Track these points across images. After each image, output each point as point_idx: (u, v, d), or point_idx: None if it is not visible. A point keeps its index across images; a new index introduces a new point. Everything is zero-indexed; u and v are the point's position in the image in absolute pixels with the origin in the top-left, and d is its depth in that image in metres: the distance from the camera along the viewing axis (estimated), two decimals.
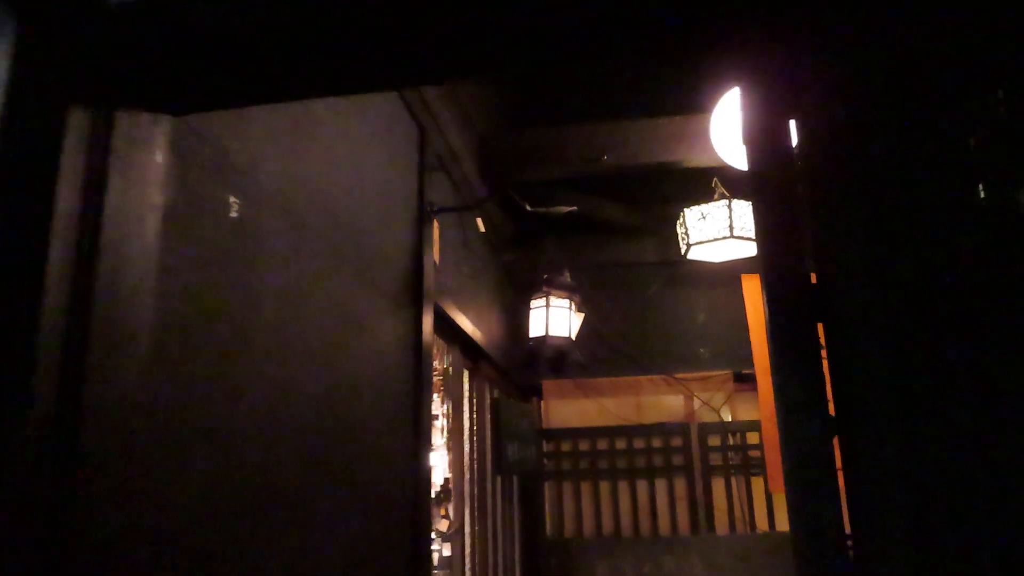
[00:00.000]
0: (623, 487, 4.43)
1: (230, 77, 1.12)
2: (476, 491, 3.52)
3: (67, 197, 0.96)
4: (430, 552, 2.46)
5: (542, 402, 4.58)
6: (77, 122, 0.99)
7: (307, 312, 1.69)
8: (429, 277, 2.60)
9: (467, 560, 3.36)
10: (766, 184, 0.97)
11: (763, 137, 0.99)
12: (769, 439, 3.90)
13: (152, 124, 1.11)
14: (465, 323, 3.27)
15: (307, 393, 1.65)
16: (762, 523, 4.32)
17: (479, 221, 3.60)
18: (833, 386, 0.91)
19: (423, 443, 2.39)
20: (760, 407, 3.99)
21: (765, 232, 0.97)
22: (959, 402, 0.83)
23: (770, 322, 0.93)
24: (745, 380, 4.33)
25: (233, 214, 1.41)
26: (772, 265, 0.95)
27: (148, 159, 1.10)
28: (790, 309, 0.92)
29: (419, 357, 2.45)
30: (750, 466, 4.37)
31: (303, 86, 1.24)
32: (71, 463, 0.94)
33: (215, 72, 1.11)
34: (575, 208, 3.47)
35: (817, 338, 0.93)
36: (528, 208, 3.56)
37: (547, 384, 4.51)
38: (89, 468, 0.96)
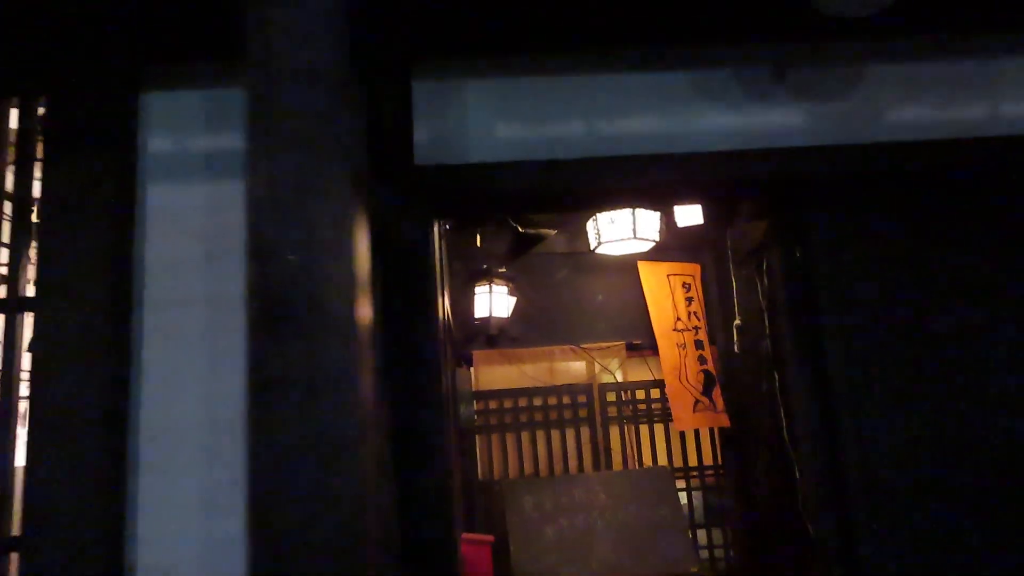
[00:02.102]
0: (540, 436, 5.46)
1: None
2: None
3: None
4: None
5: (472, 369, 5.50)
6: None
7: None
8: None
9: None
10: None
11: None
12: (671, 390, 5.08)
13: None
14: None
15: None
16: (647, 460, 5.49)
17: None
18: None
19: None
20: (662, 366, 5.15)
21: None
22: None
23: None
24: (634, 348, 5.46)
25: None
26: None
27: None
28: None
29: None
30: (638, 417, 5.52)
31: None
32: None
33: None
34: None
35: None
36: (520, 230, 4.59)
37: (477, 354, 5.44)
38: None
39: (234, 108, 2.26)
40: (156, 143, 2.22)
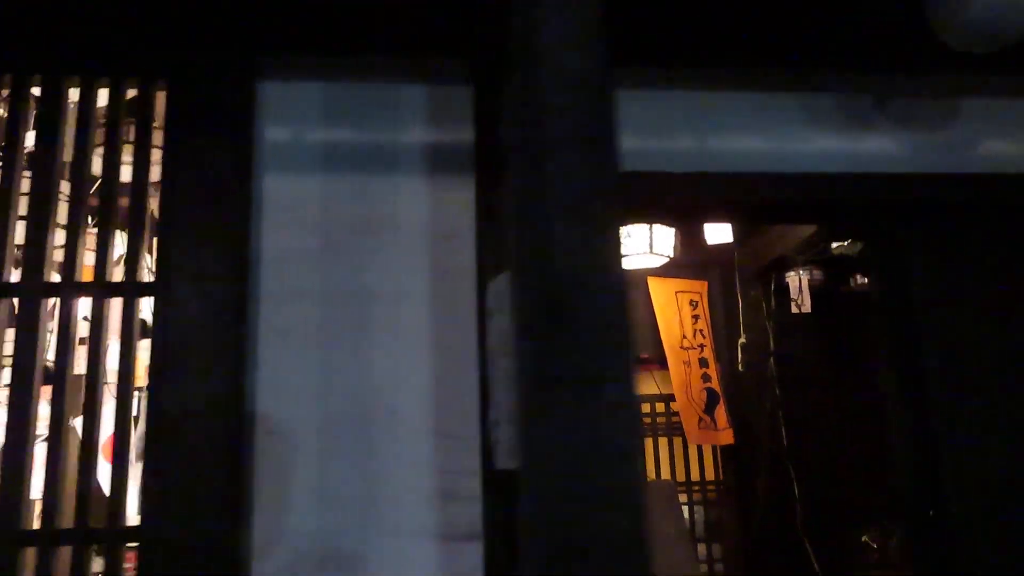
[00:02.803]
0: None
1: None
2: None
3: None
4: None
5: None
6: None
7: None
8: None
9: None
10: None
11: None
12: (679, 405, 5.14)
13: None
14: None
15: None
16: (651, 474, 5.55)
17: None
18: None
19: None
20: (672, 380, 5.21)
21: None
22: None
23: None
24: (641, 363, 5.52)
25: None
26: None
27: None
28: None
29: None
30: (644, 430, 5.58)
31: None
32: None
33: None
34: None
35: None
36: None
37: None
38: None
39: (348, 101, 2.25)
40: (271, 133, 2.19)
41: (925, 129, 2.42)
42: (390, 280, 2.15)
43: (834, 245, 4.77)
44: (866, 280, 4.95)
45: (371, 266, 2.16)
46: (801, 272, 5.09)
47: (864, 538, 4.87)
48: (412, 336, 2.13)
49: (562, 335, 1.13)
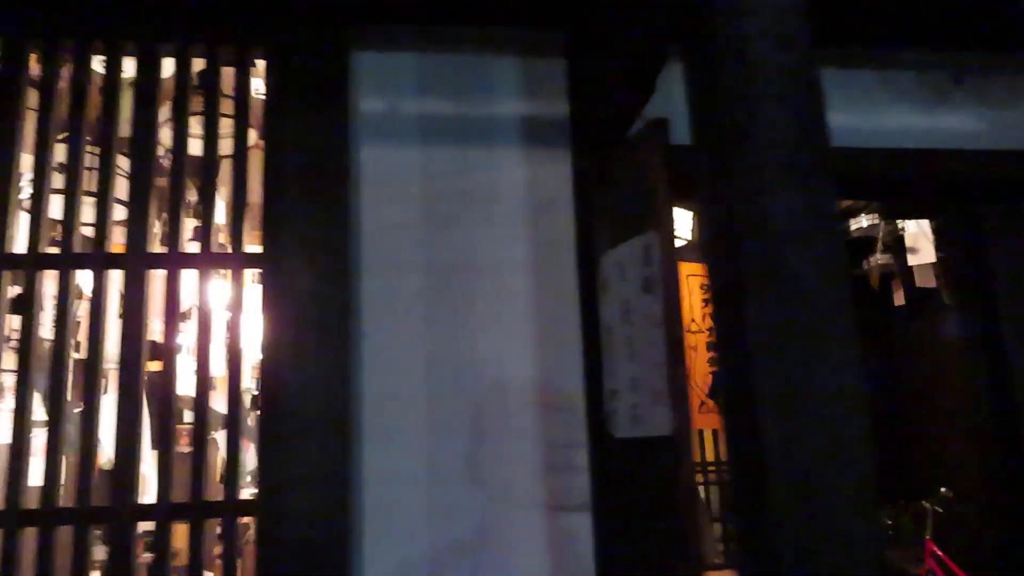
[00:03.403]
0: None
1: None
2: None
3: None
4: None
5: None
6: None
7: None
8: None
9: None
10: None
11: None
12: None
13: None
14: None
15: None
16: None
17: None
18: None
19: None
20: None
21: None
22: None
23: None
24: None
25: None
26: None
27: None
28: None
29: None
30: None
31: None
32: None
33: None
34: None
35: None
36: None
37: None
38: None
39: (443, 73, 2.23)
40: (368, 104, 2.17)
41: (1003, 106, 2.47)
42: (491, 251, 2.14)
43: (853, 226, 4.85)
44: (880, 260, 5.03)
45: (471, 237, 2.14)
46: None
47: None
48: (514, 307, 2.12)
49: (784, 292, 1.14)
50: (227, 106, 2.09)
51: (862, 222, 4.81)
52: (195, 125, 2.07)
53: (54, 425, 1.84)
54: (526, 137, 2.23)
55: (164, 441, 1.88)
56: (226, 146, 2.08)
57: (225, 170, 2.13)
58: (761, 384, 1.13)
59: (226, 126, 2.08)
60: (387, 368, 2.02)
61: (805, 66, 1.23)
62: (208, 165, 2.02)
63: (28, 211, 1.95)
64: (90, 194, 2.01)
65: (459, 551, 1.98)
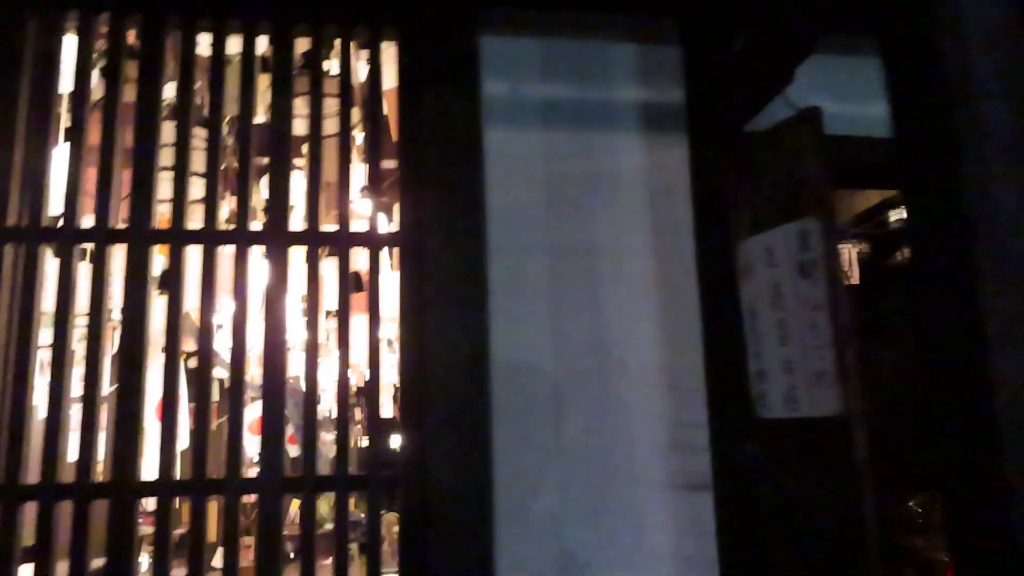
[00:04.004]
0: None
1: None
2: None
3: None
4: None
5: None
6: None
7: None
8: None
9: None
10: None
11: None
12: None
13: None
14: None
15: None
16: None
17: None
18: None
19: None
20: None
21: None
22: None
23: None
24: None
25: None
26: None
27: None
28: None
29: None
30: None
31: None
32: None
33: None
34: None
35: None
36: None
37: None
38: None
39: (563, 58, 2.26)
40: (492, 87, 2.19)
41: None
42: (613, 235, 2.18)
43: (893, 217, 4.91)
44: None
45: (594, 221, 2.18)
46: (851, 244, 5.23)
47: (911, 503, 5.06)
48: (636, 290, 2.16)
49: (1016, 279, 1.18)
50: (332, 86, 2.11)
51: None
52: (328, 107, 2.08)
53: (201, 403, 1.87)
54: (644, 123, 2.26)
55: (309, 415, 1.90)
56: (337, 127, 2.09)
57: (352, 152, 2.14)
58: (997, 369, 1.18)
59: (349, 108, 2.09)
60: (515, 346, 2.06)
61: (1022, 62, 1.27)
62: (344, 146, 2.04)
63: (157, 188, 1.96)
64: (198, 175, 2.02)
65: (586, 526, 2.02)
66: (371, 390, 1.94)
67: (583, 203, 2.19)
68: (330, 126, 2.13)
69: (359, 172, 2.57)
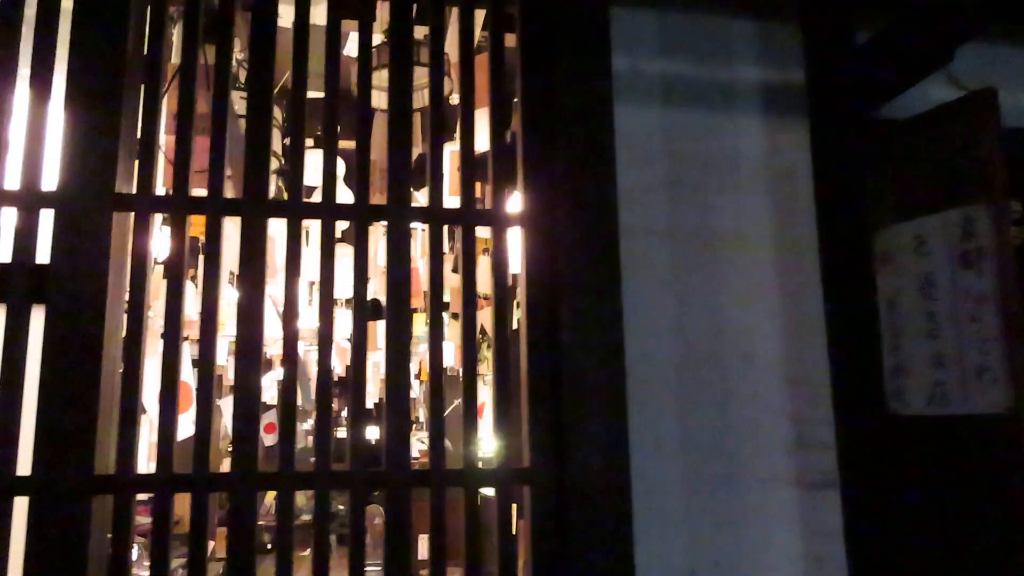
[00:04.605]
0: None
1: None
2: None
3: None
4: None
5: None
6: None
7: None
8: None
9: None
10: None
11: None
12: None
13: None
14: None
15: None
16: None
17: None
18: None
19: None
20: None
21: None
22: None
23: None
24: None
25: None
26: None
27: None
28: None
29: None
30: None
31: None
32: None
33: None
34: None
35: None
36: None
37: None
38: None
39: (683, 34, 2.17)
40: (617, 63, 2.08)
41: None
42: (733, 220, 2.09)
43: None
44: None
45: (714, 204, 2.09)
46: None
47: None
48: (758, 278, 2.08)
49: None
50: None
51: None
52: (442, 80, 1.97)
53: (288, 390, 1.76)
54: (764, 103, 2.17)
55: (436, 408, 1.80)
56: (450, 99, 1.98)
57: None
58: None
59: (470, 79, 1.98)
60: (639, 334, 1.96)
61: None
62: (466, 120, 1.93)
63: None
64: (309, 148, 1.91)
65: (713, 525, 1.94)
66: (500, 381, 1.84)
67: (703, 185, 2.10)
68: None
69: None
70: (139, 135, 1.81)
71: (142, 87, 1.81)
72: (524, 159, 1.92)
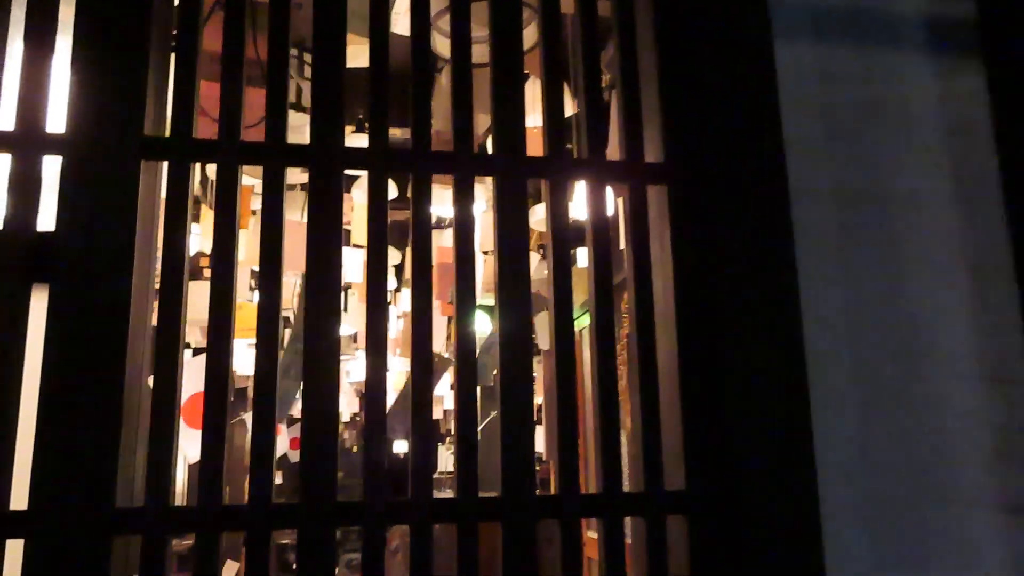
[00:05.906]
0: None
1: None
2: None
3: None
4: None
5: None
6: None
7: None
8: None
9: None
10: None
11: None
12: None
13: None
14: None
15: None
16: None
17: None
18: None
19: None
20: None
21: None
22: None
23: None
24: None
25: None
26: None
27: None
28: None
29: None
30: None
31: None
32: None
33: None
34: None
35: None
36: None
37: None
38: None
39: None
40: None
41: None
42: (903, 177, 1.69)
43: None
44: None
45: (879, 159, 1.69)
46: None
47: None
48: (940, 250, 1.67)
49: None
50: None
51: None
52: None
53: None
54: (931, 43, 1.77)
55: (566, 423, 1.38)
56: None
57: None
58: None
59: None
60: (807, 319, 1.54)
61: None
62: (590, 62, 1.52)
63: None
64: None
65: (900, 555, 1.52)
66: (646, 382, 1.42)
67: (865, 138, 1.69)
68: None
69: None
70: (173, 66, 1.39)
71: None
72: (661, 106, 1.51)
